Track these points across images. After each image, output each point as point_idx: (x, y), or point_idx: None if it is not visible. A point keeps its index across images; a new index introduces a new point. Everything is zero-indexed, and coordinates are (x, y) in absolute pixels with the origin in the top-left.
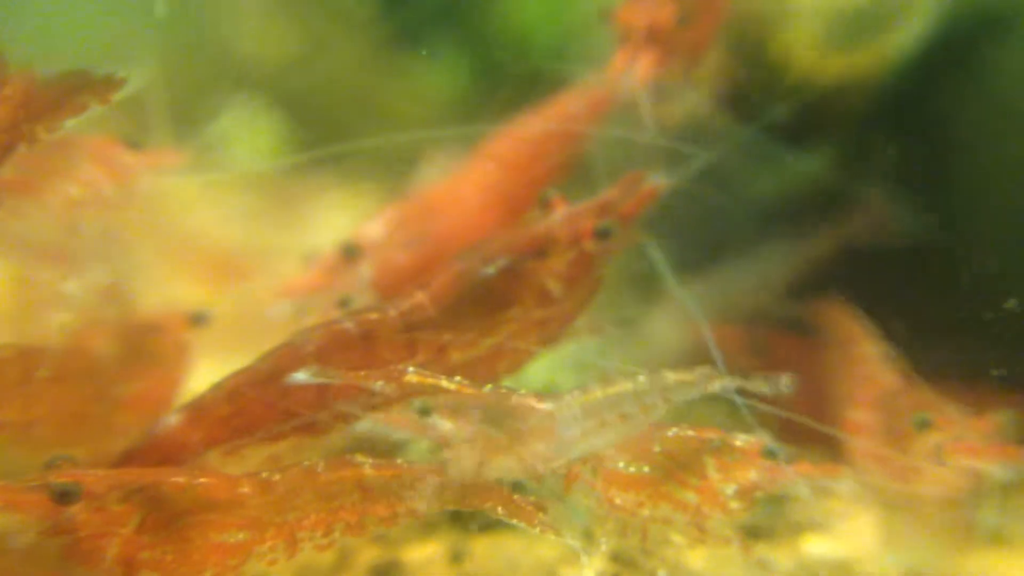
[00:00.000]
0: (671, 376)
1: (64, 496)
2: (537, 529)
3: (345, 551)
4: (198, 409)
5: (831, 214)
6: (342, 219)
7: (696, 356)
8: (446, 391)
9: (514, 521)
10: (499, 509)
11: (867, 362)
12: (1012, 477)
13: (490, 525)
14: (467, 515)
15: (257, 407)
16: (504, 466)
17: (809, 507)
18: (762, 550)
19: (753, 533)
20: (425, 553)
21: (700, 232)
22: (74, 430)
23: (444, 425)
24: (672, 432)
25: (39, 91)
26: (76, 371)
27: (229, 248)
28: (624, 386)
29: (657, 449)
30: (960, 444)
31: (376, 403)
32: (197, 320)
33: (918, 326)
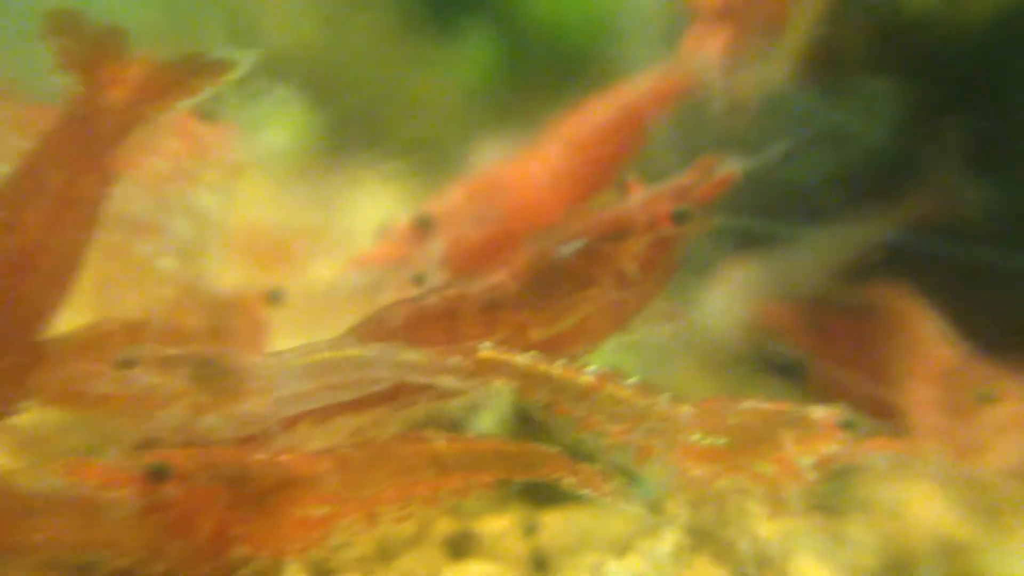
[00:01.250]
0: (408, 355)
1: (158, 475)
2: (607, 498)
3: (421, 523)
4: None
5: (902, 191)
6: (378, 204)
7: (753, 334)
8: (519, 367)
9: (584, 491)
10: (567, 480)
11: (927, 340)
12: None
13: (562, 499)
14: (539, 489)
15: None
16: (212, 424)
17: (879, 484)
18: (837, 524)
19: (826, 508)
20: (498, 525)
21: (764, 208)
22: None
23: (149, 379)
24: (748, 405)
25: (157, 73)
26: (173, 345)
27: (277, 231)
28: (351, 353)
29: (732, 422)
30: (1012, 414)
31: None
32: (274, 299)
33: (983, 305)
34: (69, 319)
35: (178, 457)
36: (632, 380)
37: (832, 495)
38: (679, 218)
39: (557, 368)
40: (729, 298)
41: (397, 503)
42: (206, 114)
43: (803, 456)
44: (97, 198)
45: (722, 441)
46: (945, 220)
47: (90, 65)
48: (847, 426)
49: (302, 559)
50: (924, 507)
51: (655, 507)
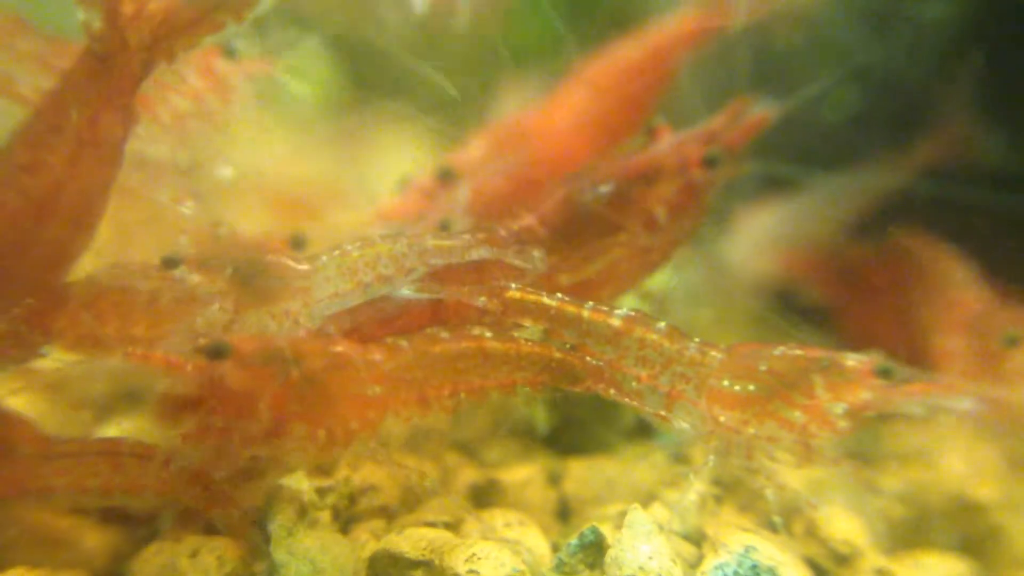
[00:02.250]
0: (430, 241)
1: (216, 353)
2: (647, 410)
3: (446, 471)
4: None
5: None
6: (403, 155)
7: (780, 281)
8: (548, 307)
9: (625, 401)
10: (611, 391)
11: (953, 286)
12: None
13: (587, 448)
14: (563, 438)
15: (374, 323)
16: (254, 322)
17: (912, 432)
18: (868, 473)
19: (857, 456)
20: (523, 474)
21: (788, 152)
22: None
23: (192, 278)
24: (779, 351)
25: (179, 9)
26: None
27: (302, 181)
28: (381, 247)
29: (763, 368)
30: None
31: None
32: (296, 244)
33: (1006, 248)
34: (91, 263)
35: (234, 339)
36: (662, 324)
37: (864, 443)
38: (710, 162)
39: (586, 310)
40: (753, 245)
41: (447, 389)
42: (228, 52)
43: (836, 404)
44: (119, 138)
45: (752, 387)
46: (962, 164)
47: (111, 1)
48: (883, 373)
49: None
50: (955, 457)
51: (682, 455)
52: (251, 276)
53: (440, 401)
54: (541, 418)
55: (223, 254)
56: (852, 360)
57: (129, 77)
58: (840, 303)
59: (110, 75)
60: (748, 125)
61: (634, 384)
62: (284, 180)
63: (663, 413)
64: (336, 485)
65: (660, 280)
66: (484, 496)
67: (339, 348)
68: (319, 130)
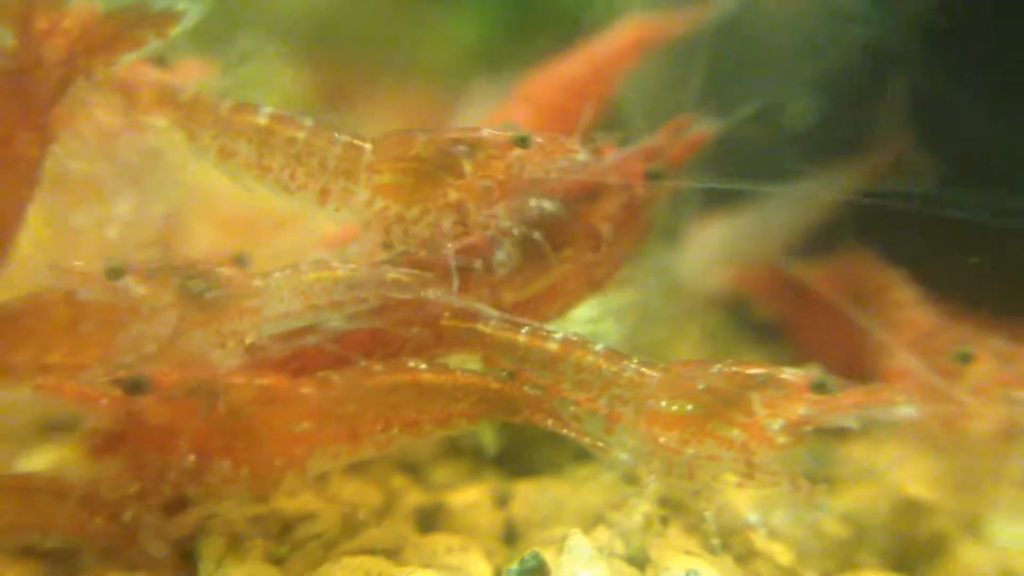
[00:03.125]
0: (391, 273)
1: (135, 387)
2: (586, 440)
3: (391, 493)
4: (256, 351)
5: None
6: None
7: (731, 296)
8: (483, 334)
9: (564, 431)
10: (548, 422)
11: (901, 307)
12: None
13: (536, 469)
14: (512, 459)
15: (312, 350)
16: (199, 339)
17: (856, 447)
18: (815, 492)
19: (809, 474)
20: (470, 497)
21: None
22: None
23: (137, 290)
24: (716, 368)
25: (97, 24)
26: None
27: (251, 201)
28: (339, 273)
29: (701, 386)
30: (1004, 374)
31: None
32: (238, 264)
33: (960, 266)
34: (5, 289)
35: (154, 372)
36: (600, 346)
37: (807, 459)
38: (652, 178)
39: (522, 335)
40: (704, 260)
41: (379, 424)
42: (159, 59)
43: (773, 420)
44: (35, 158)
45: (690, 407)
46: (901, 178)
47: (24, 15)
48: (819, 387)
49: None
50: (905, 475)
51: (632, 475)
52: (202, 290)
53: (372, 437)
54: (489, 438)
55: (172, 265)
56: (789, 375)
57: (45, 95)
58: (791, 319)
59: (24, 93)
60: (689, 141)
61: (573, 408)
62: (234, 199)
63: (600, 444)
64: (270, 514)
65: (621, 298)
66: (430, 519)
67: (267, 381)
68: None
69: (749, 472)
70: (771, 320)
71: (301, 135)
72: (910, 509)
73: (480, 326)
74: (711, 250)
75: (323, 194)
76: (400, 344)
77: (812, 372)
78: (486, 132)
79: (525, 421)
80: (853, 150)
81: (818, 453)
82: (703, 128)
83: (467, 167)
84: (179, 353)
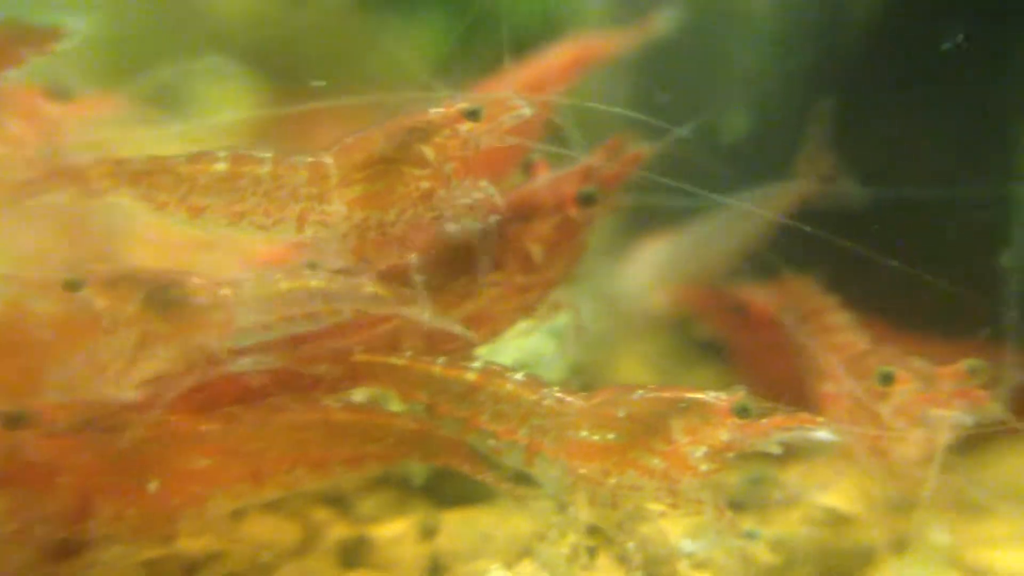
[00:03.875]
0: (368, 287)
1: (13, 421)
2: (503, 487)
3: (312, 527)
4: (159, 383)
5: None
6: None
7: (673, 317)
8: (396, 367)
9: (479, 477)
10: (464, 466)
11: (835, 330)
12: (976, 421)
13: (463, 499)
14: (439, 489)
15: (219, 383)
16: (165, 354)
17: (786, 472)
18: (743, 519)
19: (735, 504)
20: (396, 529)
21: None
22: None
23: (97, 302)
24: (638, 395)
25: None
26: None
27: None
28: (313, 284)
29: (622, 414)
30: (922, 394)
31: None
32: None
33: (896, 285)
34: None
35: (37, 407)
36: (519, 375)
37: (736, 485)
38: (585, 199)
39: (437, 367)
40: (643, 279)
41: (284, 464)
42: (61, 91)
43: (695, 447)
44: None
45: (611, 436)
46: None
47: None
48: (741, 412)
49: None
50: (830, 497)
51: (562, 507)
52: (167, 302)
53: (276, 477)
54: (417, 467)
55: (134, 275)
56: (711, 400)
57: None
58: (732, 340)
59: None
60: (624, 162)
61: (492, 441)
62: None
63: (519, 492)
64: (171, 556)
65: (561, 320)
66: (352, 554)
67: (163, 416)
68: None
69: (673, 500)
70: (715, 340)
71: (265, 170)
72: (840, 534)
73: (394, 359)
74: (651, 270)
75: (300, 221)
76: (312, 381)
77: (734, 396)
78: (434, 112)
79: (442, 465)
80: (783, 169)
81: (755, 478)
82: (639, 148)
83: (428, 153)
84: (71, 384)
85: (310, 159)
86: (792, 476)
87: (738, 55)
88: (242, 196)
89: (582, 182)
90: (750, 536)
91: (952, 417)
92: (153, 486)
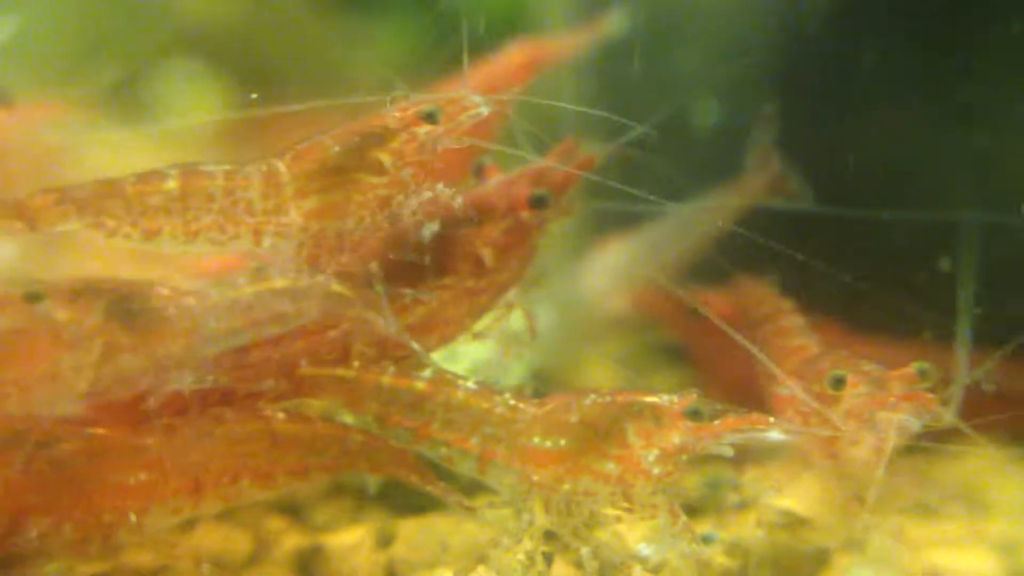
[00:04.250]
0: (334, 285)
1: None
2: (451, 499)
3: (265, 537)
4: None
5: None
6: None
7: (634, 320)
8: (344, 378)
9: (428, 489)
10: (412, 477)
11: (787, 334)
12: (923, 425)
13: (419, 507)
14: (395, 496)
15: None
16: (130, 365)
17: (746, 475)
18: (700, 523)
19: (693, 508)
20: (351, 538)
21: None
22: None
23: (59, 314)
24: (590, 400)
25: None
26: None
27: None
28: (277, 284)
29: (574, 420)
30: (871, 398)
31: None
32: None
33: (847, 289)
34: None
35: None
36: (469, 383)
37: (694, 488)
38: (537, 203)
39: (386, 377)
40: (603, 282)
41: (226, 476)
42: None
43: (648, 451)
44: None
45: (563, 442)
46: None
47: None
48: (693, 414)
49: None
50: (793, 502)
51: (518, 514)
52: (130, 313)
53: (218, 490)
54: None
55: (96, 286)
56: (663, 403)
57: None
58: (690, 343)
59: None
60: (576, 166)
61: (444, 450)
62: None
63: (466, 504)
64: (115, 570)
65: (517, 322)
66: (308, 564)
67: (98, 430)
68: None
69: (628, 505)
70: (676, 343)
71: (217, 184)
72: (796, 536)
73: (340, 371)
74: (610, 272)
75: (256, 235)
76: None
77: (687, 399)
78: (390, 117)
79: (389, 476)
80: (732, 172)
81: (713, 482)
82: (591, 152)
83: (385, 160)
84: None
85: (263, 169)
86: (749, 479)
87: (697, 55)
88: (195, 215)
89: (534, 185)
90: (706, 540)
91: (900, 420)
92: (88, 501)
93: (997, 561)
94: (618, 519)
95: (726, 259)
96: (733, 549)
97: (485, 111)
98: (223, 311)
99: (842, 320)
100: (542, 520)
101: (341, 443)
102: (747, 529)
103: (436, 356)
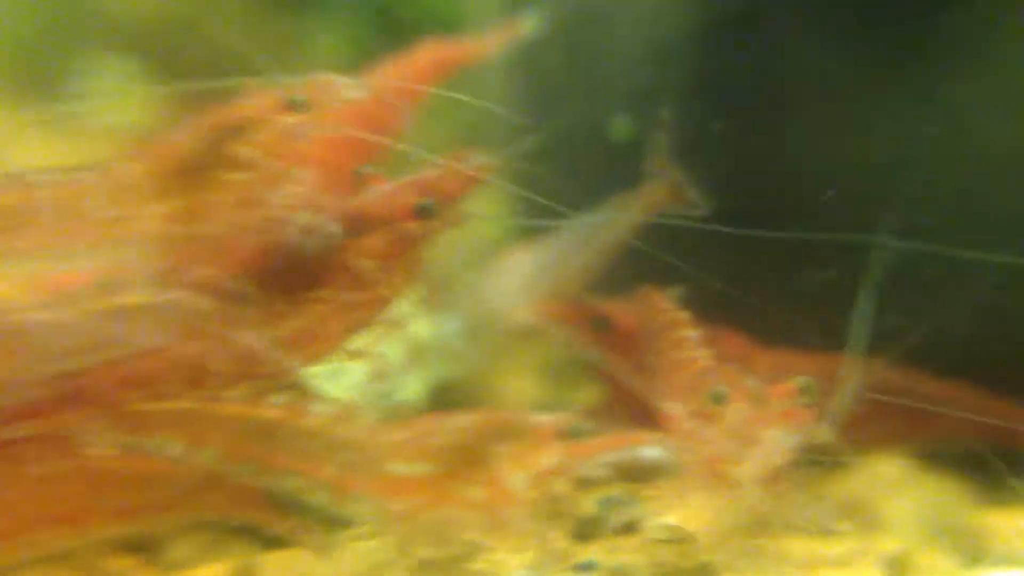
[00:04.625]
0: (192, 300)
1: None
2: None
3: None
4: None
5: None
6: None
7: (543, 331)
8: (182, 413)
9: (275, 529)
10: (256, 516)
11: (681, 347)
12: (802, 441)
13: (282, 540)
14: (258, 529)
15: None
16: None
17: (636, 503)
18: (588, 547)
19: (581, 531)
20: (210, 575)
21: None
22: None
23: None
24: (457, 423)
25: None
26: None
27: None
28: (130, 300)
29: (439, 444)
30: (751, 414)
31: None
32: None
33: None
34: None
35: None
36: (326, 407)
37: (583, 510)
38: (422, 213)
39: (229, 406)
40: (508, 294)
41: (36, 522)
42: None
43: (519, 474)
44: None
45: (427, 468)
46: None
47: None
48: (567, 434)
49: None
50: (668, 519)
51: (385, 545)
52: None
53: (27, 535)
54: None
55: None
56: (535, 423)
57: None
58: (596, 355)
59: None
60: (468, 176)
61: (295, 482)
62: None
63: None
64: None
65: (422, 332)
66: None
67: None
68: None
69: (499, 533)
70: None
71: (58, 192)
72: (683, 555)
73: (176, 404)
74: (514, 283)
75: (105, 244)
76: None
77: (561, 418)
78: (249, 107)
79: (226, 517)
80: (632, 184)
81: (603, 502)
82: (483, 162)
83: (246, 154)
84: None
85: (111, 171)
86: (638, 498)
87: (615, 58)
88: (27, 230)
89: (420, 194)
90: (586, 568)
91: (779, 438)
92: None
93: None
94: (492, 548)
95: (630, 270)
96: (617, 573)
97: (357, 94)
98: (70, 329)
99: (745, 332)
100: (408, 552)
101: (173, 481)
102: (634, 550)
103: (320, 371)
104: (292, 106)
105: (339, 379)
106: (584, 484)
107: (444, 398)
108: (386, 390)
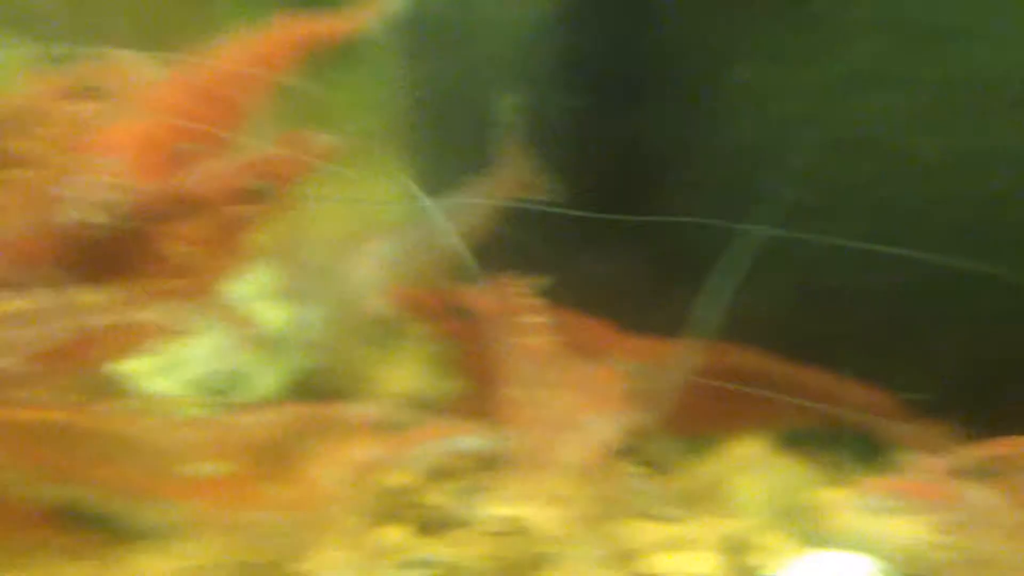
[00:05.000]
0: (85, 297)
1: None
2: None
3: None
4: None
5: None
6: None
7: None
8: None
9: (62, 541)
10: (40, 532)
11: (527, 333)
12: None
13: (82, 553)
14: (77, 532)
15: None
16: None
17: (477, 493)
18: (425, 544)
19: (426, 523)
20: None
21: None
22: None
23: None
24: (265, 418)
25: None
26: None
27: None
28: (11, 305)
29: (245, 441)
30: (580, 399)
31: None
32: None
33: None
34: None
35: None
36: (131, 405)
37: (430, 503)
38: (249, 196)
39: (7, 409)
40: (366, 281)
41: None
42: None
43: (331, 469)
44: None
45: (234, 466)
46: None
47: None
48: (385, 426)
49: None
50: (506, 508)
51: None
52: None
53: None
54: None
55: None
56: (351, 415)
57: None
58: (452, 342)
59: None
60: (304, 157)
61: (88, 489)
62: None
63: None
64: None
65: (277, 321)
66: None
67: None
68: None
69: (320, 529)
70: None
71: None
72: (517, 546)
73: None
74: (371, 271)
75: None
76: None
77: (380, 409)
78: (27, 95)
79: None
80: (483, 169)
81: (461, 491)
82: (321, 143)
83: (28, 148)
84: None
85: None
86: (485, 489)
87: (479, 36)
88: None
89: (249, 177)
90: (424, 564)
91: (606, 422)
92: None
93: (720, 561)
94: (311, 546)
95: (488, 256)
96: (453, 569)
97: (154, 75)
98: None
99: (606, 318)
100: (223, 556)
101: None
102: (473, 543)
103: (154, 363)
104: (78, 93)
105: (174, 373)
106: (435, 476)
107: (305, 390)
108: (228, 384)
